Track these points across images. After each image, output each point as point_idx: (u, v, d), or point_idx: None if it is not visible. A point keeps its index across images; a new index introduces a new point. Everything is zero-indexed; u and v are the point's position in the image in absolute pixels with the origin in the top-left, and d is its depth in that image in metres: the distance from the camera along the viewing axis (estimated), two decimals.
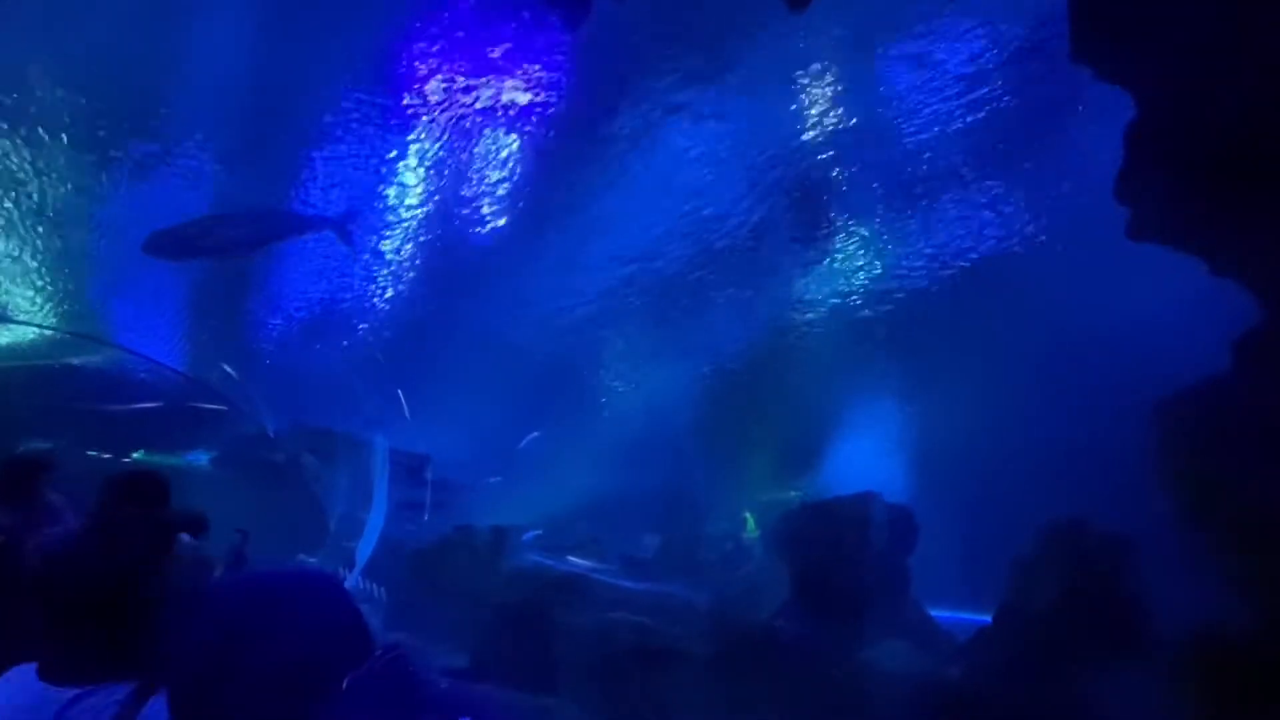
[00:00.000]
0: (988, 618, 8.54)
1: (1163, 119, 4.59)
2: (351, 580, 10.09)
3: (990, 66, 9.53)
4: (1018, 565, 6.55)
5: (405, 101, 10.21)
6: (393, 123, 10.50)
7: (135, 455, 13.74)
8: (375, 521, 11.99)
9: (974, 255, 13.03)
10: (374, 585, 10.37)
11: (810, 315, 14.83)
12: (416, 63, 9.73)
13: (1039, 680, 5.60)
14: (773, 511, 16.53)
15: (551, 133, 10.58)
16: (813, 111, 10.20)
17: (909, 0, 8.78)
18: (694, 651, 6.83)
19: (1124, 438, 13.64)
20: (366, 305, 13.17)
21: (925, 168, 11.21)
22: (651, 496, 15.78)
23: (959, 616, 8.32)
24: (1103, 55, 5.37)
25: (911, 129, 10.53)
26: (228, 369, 13.08)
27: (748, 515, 17.22)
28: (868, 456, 17.20)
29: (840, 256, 13.24)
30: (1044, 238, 12.43)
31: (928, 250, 13.06)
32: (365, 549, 11.99)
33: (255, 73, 9.14)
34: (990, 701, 5.57)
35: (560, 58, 9.63)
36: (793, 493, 17.21)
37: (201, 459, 14.64)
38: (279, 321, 13.16)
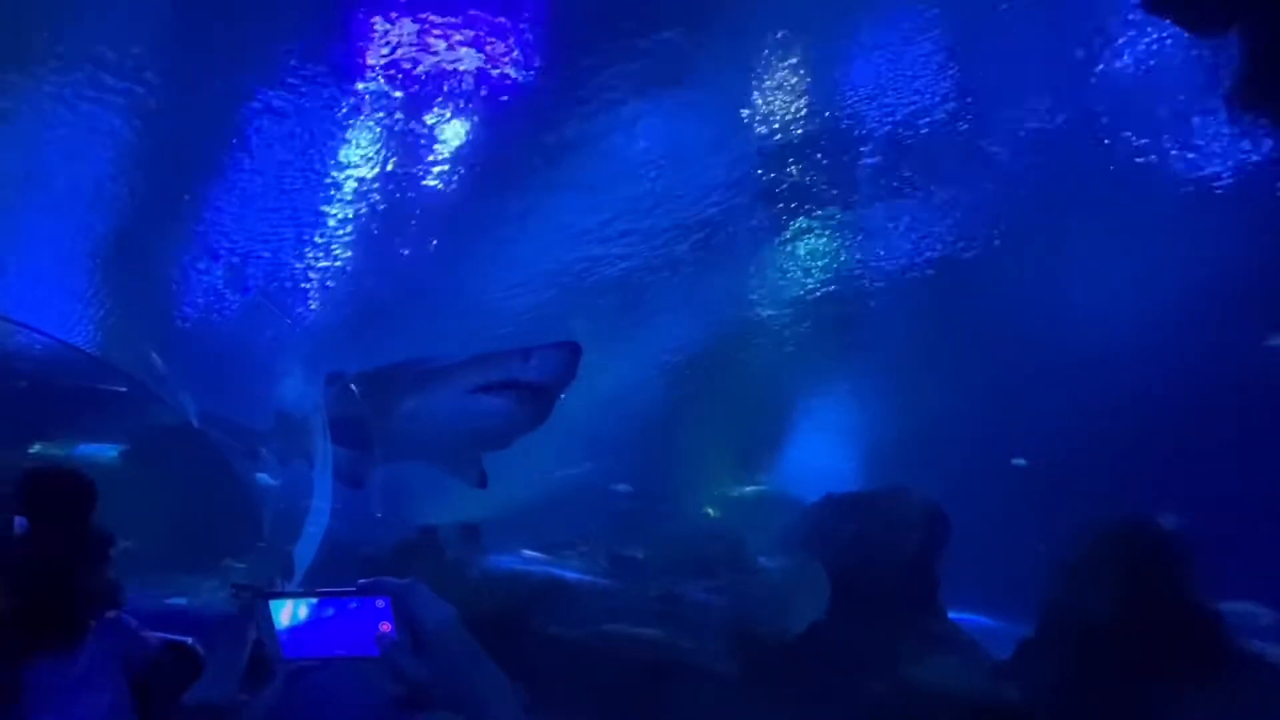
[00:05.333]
0: (979, 617, 8.15)
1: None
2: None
3: (950, 68, 9.30)
4: (1063, 569, 6.04)
5: (356, 64, 9.14)
6: (342, 84, 9.41)
7: (31, 448, 12.06)
8: (318, 518, 10.62)
9: (935, 252, 12.92)
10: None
11: (772, 310, 14.56)
12: (369, 23, 8.70)
13: (1109, 698, 5.09)
14: (736, 505, 16.29)
15: (509, 112, 9.78)
16: (777, 108, 9.85)
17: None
18: (713, 668, 6.04)
19: (1084, 433, 13.96)
20: (310, 284, 11.91)
21: (889, 165, 11.00)
22: (611, 489, 15.12)
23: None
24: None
25: (873, 128, 10.29)
26: (152, 352, 11.54)
27: (710, 510, 16.73)
28: (830, 450, 17.04)
29: (805, 249, 12.97)
30: (999, 238, 12.40)
31: (890, 245, 12.89)
32: (306, 553, 10.67)
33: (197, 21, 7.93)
34: None
35: (521, 40, 8.83)
36: (756, 487, 16.84)
37: (109, 452, 13.01)
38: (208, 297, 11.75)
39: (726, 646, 6.17)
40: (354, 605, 1.19)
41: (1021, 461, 14.38)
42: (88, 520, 2.82)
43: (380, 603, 1.17)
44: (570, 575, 8.12)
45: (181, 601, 8.72)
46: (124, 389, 12.24)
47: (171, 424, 12.47)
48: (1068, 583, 5.93)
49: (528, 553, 8.92)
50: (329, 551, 10.04)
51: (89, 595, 2.72)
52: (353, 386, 7.73)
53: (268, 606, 1.23)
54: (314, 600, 1.22)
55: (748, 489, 17.03)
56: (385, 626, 1.17)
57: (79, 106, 8.37)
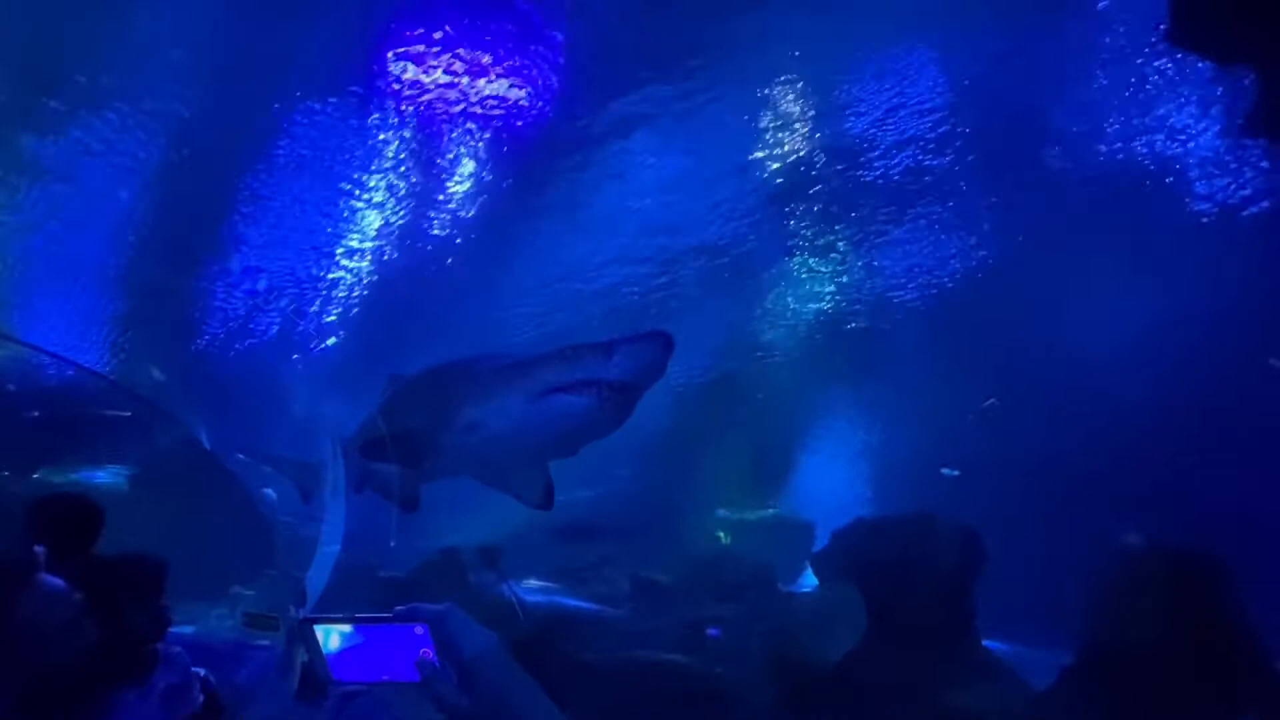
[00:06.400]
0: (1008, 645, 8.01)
1: None
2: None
3: (956, 90, 9.38)
4: (1100, 593, 5.92)
5: (375, 92, 9.17)
6: (361, 112, 9.46)
7: (36, 474, 11.89)
8: (330, 544, 10.44)
9: (944, 274, 12.94)
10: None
11: (781, 333, 14.56)
12: (387, 52, 8.76)
13: None
14: (750, 530, 16.14)
15: (520, 139, 9.84)
16: (786, 132, 9.91)
17: (876, 24, 8.51)
18: (745, 696, 5.92)
19: (1090, 451, 13.89)
20: (319, 313, 11.90)
21: (902, 188, 11.05)
22: (620, 512, 14.97)
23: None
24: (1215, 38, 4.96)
25: (885, 153, 10.35)
26: (156, 373, 11.44)
27: (721, 534, 16.60)
28: (838, 475, 16.96)
29: (810, 274, 12.99)
30: (995, 258, 12.41)
31: (903, 268, 12.90)
32: (318, 579, 10.47)
33: (218, 49, 7.99)
34: None
35: (536, 67, 8.87)
36: (771, 511, 16.74)
37: (118, 477, 12.84)
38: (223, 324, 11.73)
39: (759, 674, 6.04)
40: (393, 631, 1.19)
41: (951, 471, 14.37)
42: (91, 548, 2.75)
43: (419, 629, 1.17)
44: (593, 600, 7.98)
45: (189, 630, 8.53)
46: (131, 413, 12.12)
47: (180, 447, 12.34)
48: (1109, 609, 5.83)
49: (548, 578, 8.78)
50: (343, 579, 9.88)
51: (137, 624, 2.66)
52: (412, 388, 6.91)
53: (313, 631, 1.24)
54: (353, 627, 1.23)
55: (762, 513, 16.93)
56: (426, 652, 1.16)
57: (104, 134, 8.40)
